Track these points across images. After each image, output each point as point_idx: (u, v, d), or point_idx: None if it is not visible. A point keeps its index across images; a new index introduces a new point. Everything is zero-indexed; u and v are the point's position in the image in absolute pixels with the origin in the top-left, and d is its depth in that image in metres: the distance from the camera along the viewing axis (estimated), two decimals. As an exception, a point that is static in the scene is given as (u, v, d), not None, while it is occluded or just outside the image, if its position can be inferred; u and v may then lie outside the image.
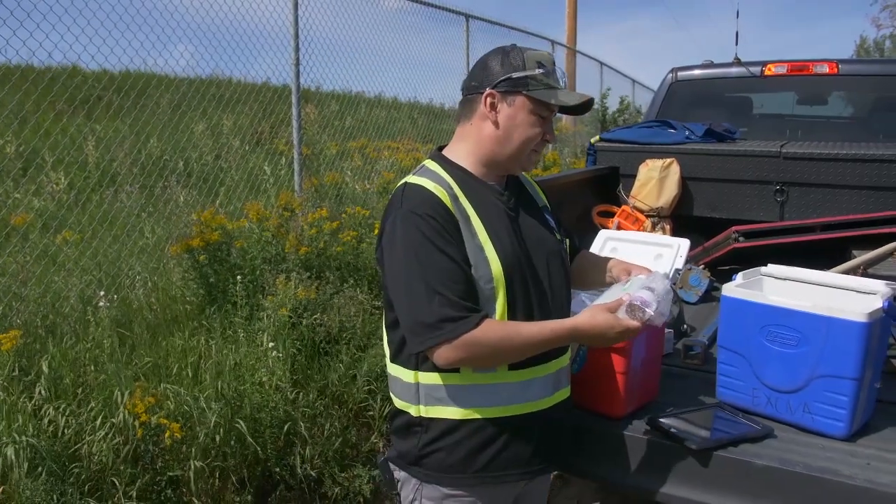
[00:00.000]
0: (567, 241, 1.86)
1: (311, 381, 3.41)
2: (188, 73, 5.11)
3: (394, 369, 1.69)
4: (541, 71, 1.61)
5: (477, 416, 1.59)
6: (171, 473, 2.64)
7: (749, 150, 3.59)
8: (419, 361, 1.60)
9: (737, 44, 4.84)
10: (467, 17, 8.27)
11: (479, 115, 1.65)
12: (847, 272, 2.72)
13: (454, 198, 1.59)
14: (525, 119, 1.62)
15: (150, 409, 2.59)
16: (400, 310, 1.57)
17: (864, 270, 2.77)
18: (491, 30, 9.07)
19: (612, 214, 3.87)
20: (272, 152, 6.98)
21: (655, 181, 3.77)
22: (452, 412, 1.60)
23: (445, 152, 1.73)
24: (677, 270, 2.95)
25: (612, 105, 12.61)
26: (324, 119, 7.97)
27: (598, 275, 1.94)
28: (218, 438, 2.77)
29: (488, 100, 1.62)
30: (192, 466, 2.63)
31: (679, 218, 3.82)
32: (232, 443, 2.83)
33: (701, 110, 4.38)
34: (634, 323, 1.56)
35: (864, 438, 1.89)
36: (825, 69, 4.13)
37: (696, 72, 4.56)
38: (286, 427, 3.06)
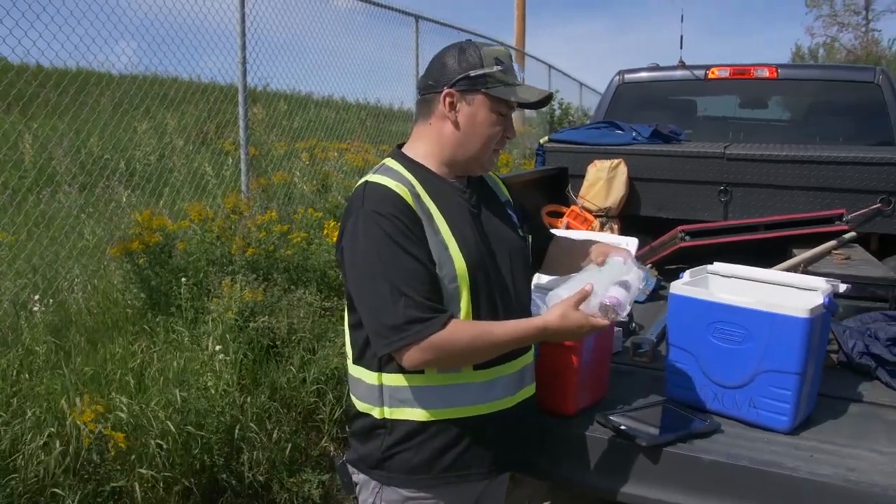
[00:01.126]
0: (529, 237, 1.84)
1: (259, 385, 3.34)
2: (130, 70, 4.96)
3: (356, 371, 1.66)
4: (499, 68, 1.58)
5: (442, 416, 1.57)
6: (114, 484, 2.54)
7: (694, 152, 3.67)
8: (382, 363, 1.57)
9: (681, 47, 4.94)
10: (417, 17, 8.25)
11: (438, 115, 1.62)
12: (788, 270, 2.80)
13: (416, 196, 1.57)
14: (485, 118, 1.60)
15: (97, 418, 2.49)
16: (364, 312, 1.54)
17: (804, 268, 2.85)
18: (441, 31, 9.07)
19: (561, 214, 3.90)
20: (218, 152, 6.84)
21: (604, 181, 3.82)
22: (417, 414, 1.57)
23: (405, 150, 1.70)
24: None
25: (559, 108, 12.74)
26: (271, 119, 7.85)
27: (576, 259, 1.92)
28: (164, 447, 2.68)
29: (447, 99, 1.59)
30: (137, 476, 2.55)
31: (627, 218, 3.88)
32: (178, 451, 2.75)
33: (647, 112, 4.45)
34: (605, 322, 1.56)
35: (806, 431, 1.94)
36: (766, 73, 4.25)
37: (643, 74, 4.64)
38: (234, 433, 2.99)
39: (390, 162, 1.67)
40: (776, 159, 3.48)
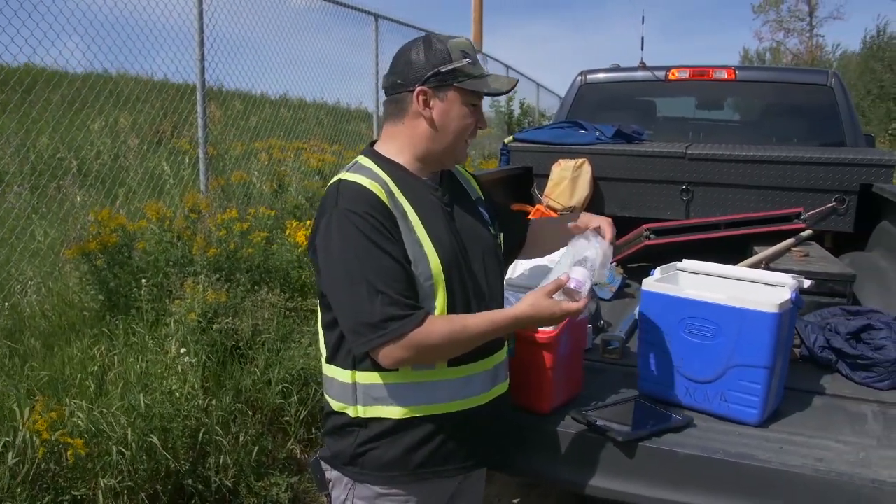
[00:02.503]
0: (501, 234, 1.84)
1: (223, 388, 3.27)
2: (85, 67, 4.81)
3: (330, 370, 1.65)
4: (467, 60, 1.59)
5: (416, 413, 1.58)
6: (75, 493, 2.46)
7: (657, 151, 3.72)
8: (356, 361, 1.57)
9: (642, 49, 5.02)
10: (377, 17, 8.20)
11: (411, 114, 1.62)
12: (751, 267, 2.86)
13: (390, 194, 1.56)
14: (459, 111, 1.61)
15: (52, 425, 2.40)
16: (340, 311, 1.53)
17: (766, 265, 2.92)
18: (399, 30, 9.03)
19: (526, 213, 3.92)
20: (175, 152, 6.69)
21: (568, 181, 3.85)
22: (391, 411, 1.57)
23: (378, 148, 1.69)
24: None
25: (517, 108, 12.79)
26: (228, 119, 7.72)
27: (555, 239, 1.95)
28: (127, 453, 2.61)
29: (420, 97, 1.59)
30: (102, 483, 2.47)
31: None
32: (142, 457, 2.67)
33: (608, 112, 4.51)
34: (574, 305, 1.59)
35: (775, 424, 1.99)
36: (724, 75, 4.35)
37: (604, 75, 4.70)
38: (199, 437, 2.92)
39: (363, 160, 1.66)
40: (736, 159, 3.55)
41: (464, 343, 1.54)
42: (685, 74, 4.41)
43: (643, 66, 4.65)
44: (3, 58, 4.03)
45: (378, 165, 1.63)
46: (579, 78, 4.71)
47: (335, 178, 1.62)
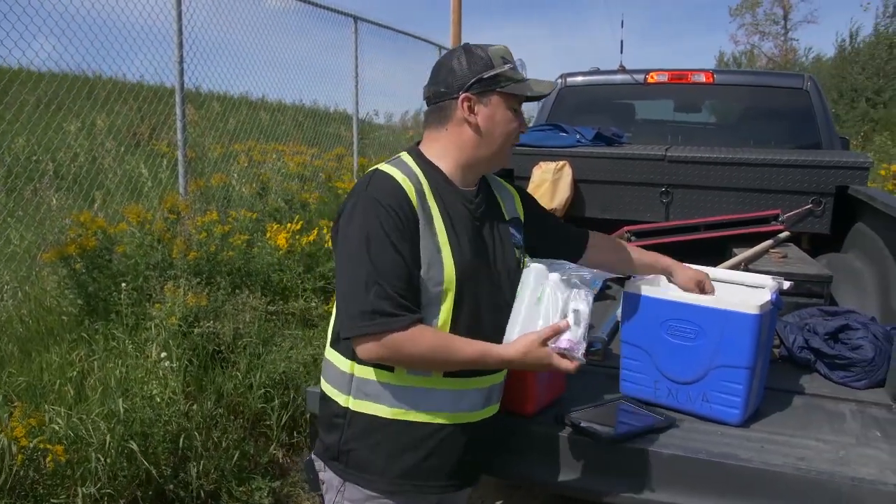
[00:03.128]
0: (526, 258, 1.79)
1: (204, 392, 3.25)
2: (61, 68, 4.75)
3: (331, 354, 1.67)
4: (508, 66, 1.62)
5: (403, 417, 1.58)
6: (54, 501, 2.43)
7: (636, 154, 3.75)
8: (356, 353, 1.56)
9: (622, 52, 5.08)
10: (356, 18, 8.18)
11: (455, 121, 1.63)
12: (731, 268, 2.89)
13: (421, 194, 1.57)
14: (503, 116, 1.63)
15: (30, 431, 2.37)
16: (339, 290, 1.56)
17: (745, 266, 2.96)
18: (379, 32, 9.02)
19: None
20: (153, 154, 6.63)
21: (549, 183, 3.86)
22: (379, 409, 1.58)
23: (422, 149, 1.70)
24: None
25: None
26: (206, 121, 7.66)
27: (616, 263, 2.04)
28: (108, 460, 2.58)
29: (465, 104, 1.60)
30: (80, 493, 2.44)
31: (572, 219, 3.93)
32: (122, 462, 2.64)
33: (588, 115, 4.53)
34: (566, 365, 1.56)
35: (756, 423, 2.01)
36: (702, 78, 4.39)
37: (584, 78, 4.73)
38: (180, 441, 2.90)
39: (405, 156, 1.68)
40: (714, 161, 3.59)
41: (443, 362, 1.54)
42: (664, 78, 4.45)
43: (622, 70, 4.69)
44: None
45: (418, 165, 1.65)
46: (559, 81, 4.73)
47: (372, 167, 1.64)
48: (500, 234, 1.73)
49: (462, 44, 1.68)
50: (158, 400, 2.94)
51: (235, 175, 6.45)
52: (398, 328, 1.46)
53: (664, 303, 2.06)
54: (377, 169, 1.62)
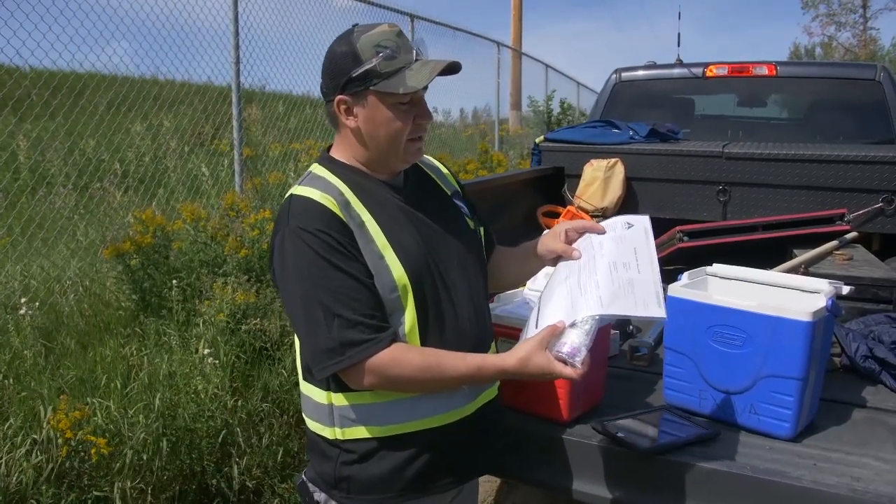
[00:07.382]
0: (482, 228, 1.71)
1: (250, 388, 3.29)
2: (132, 71, 4.93)
3: (306, 388, 1.55)
4: (381, 56, 1.41)
5: (398, 431, 1.48)
6: (97, 492, 2.48)
7: (692, 151, 3.61)
8: (331, 381, 1.47)
9: (679, 45, 4.89)
10: (412, 17, 8.20)
11: (341, 123, 1.50)
12: (789, 271, 2.74)
13: (345, 204, 1.45)
14: (384, 115, 1.45)
15: (75, 424, 2.43)
16: (299, 336, 1.46)
17: (805, 269, 2.80)
18: (436, 30, 9.04)
19: (557, 215, 3.84)
20: (214, 153, 6.79)
21: (600, 181, 3.76)
22: (372, 431, 1.47)
23: (332, 152, 1.59)
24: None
25: (557, 107, 12.61)
26: (267, 120, 7.80)
27: (522, 265, 1.77)
28: (150, 452, 2.63)
29: (342, 107, 1.47)
30: (122, 484, 2.49)
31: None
32: (165, 457, 2.69)
33: (644, 111, 4.40)
34: (570, 372, 1.40)
35: (809, 438, 1.88)
36: (764, 71, 4.19)
37: (640, 73, 4.58)
38: (224, 437, 2.93)
39: (316, 168, 1.55)
40: (775, 158, 3.42)
41: (436, 381, 1.43)
42: (724, 71, 4.27)
43: (680, 63, 4.53)
44: (44, 64, 4.14)
45: (332, 172, 1.52)
46: (614, 76, 4.60)
47: (288, 193, 1.50)
48: (445, 212, 1.61)
49: (346, 30, 1.48)
50: (203, 396, 2.98)
51: (292, 174, 6.54)
52: (375, 351, 1.37)
53: (711, 308, 1.95)
54: (292, 195, 1.47)
